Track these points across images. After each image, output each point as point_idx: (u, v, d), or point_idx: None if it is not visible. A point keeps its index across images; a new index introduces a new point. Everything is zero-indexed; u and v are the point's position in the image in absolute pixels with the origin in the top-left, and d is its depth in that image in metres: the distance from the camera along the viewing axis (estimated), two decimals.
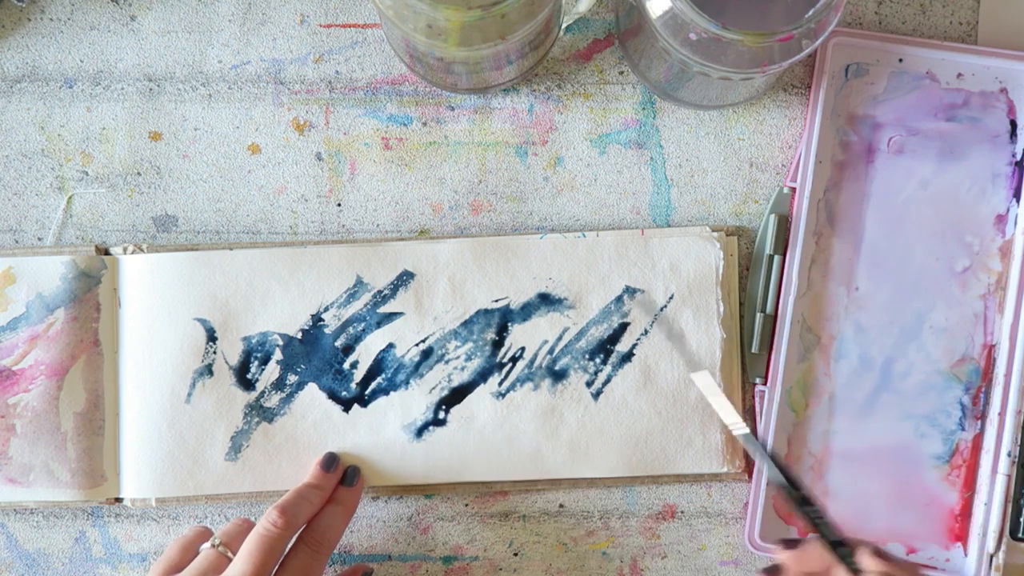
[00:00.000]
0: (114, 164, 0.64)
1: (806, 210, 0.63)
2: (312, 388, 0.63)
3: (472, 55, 0.57)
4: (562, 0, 0.62)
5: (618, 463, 0.63)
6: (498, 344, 0.63)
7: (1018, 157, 0.64)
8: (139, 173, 0.64)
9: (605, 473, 0.63)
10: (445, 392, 0.63)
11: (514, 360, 0.63)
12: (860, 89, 0.64)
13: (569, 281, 0.63)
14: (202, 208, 0.64)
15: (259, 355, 0.62)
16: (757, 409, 0.63)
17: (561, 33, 0.64)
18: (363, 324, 0.63)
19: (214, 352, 0.62)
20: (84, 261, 0.62)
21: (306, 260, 0.63)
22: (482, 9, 0.52)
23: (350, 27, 0.65)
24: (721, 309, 0.63)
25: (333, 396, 0.62)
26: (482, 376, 0.63)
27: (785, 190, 0.64)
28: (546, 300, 0.63)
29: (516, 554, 0.64)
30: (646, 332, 0.63)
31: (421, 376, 0.63)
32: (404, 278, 0.63)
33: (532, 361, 0.63)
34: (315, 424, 0.62)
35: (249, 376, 0.62)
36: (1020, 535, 0.62)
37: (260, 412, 0.62)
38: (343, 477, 0.61)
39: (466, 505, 0.64)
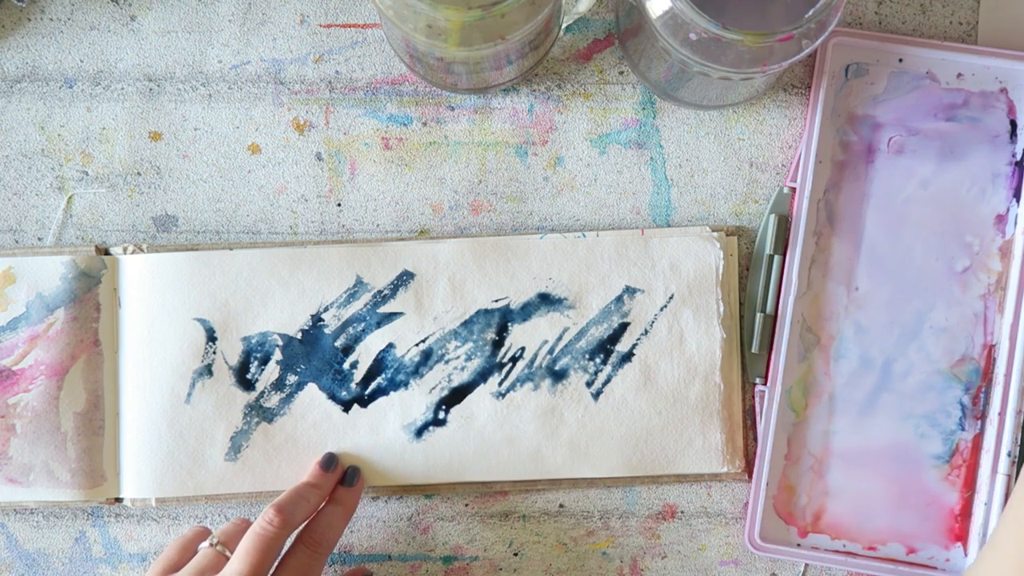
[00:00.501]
0: (114, 164, 0.64)
1: (806, 210, 0.63)
2: (312, 388, 0.63)
3: (472, 55, 0.57)
4: (562, 0, 0.62)
5: (618, 463, 0.63)
6: (498, 344, 0.63)
7: (1018, 157, 0.64)
8: (139, 173, 0.64)
9: (605, 473, 0.63)
10: (445, 392, 0.63)
11: (514, 360, 0.63)
12: (860, 89, 0.64)
13: (569, 281, 0.63)
14: (202, 208, 0.64)
15: (259, 355, 0.62)
16: (757, 409, 0.63)
17: (561, 33, 0.64)
18: (363, 324, 0.63)
19: (214, 352, 0.62)
20: (84, 261, 0.62)
21: (306, 260, 0.63)
22: (482, 9, 0.52)
23: (350, 27, 0.65)
24: (721, 309, 0.63)
25: (333, 396, 0.62)
26: (482, 376, 0.63)
27: (785, 190, 0.64)
28: (546, 300, 0.63)
29: (516, 554, 0.64)
30: (646, 332, 0.63)
31: (421, 376, 0.63)
32: (404, 278, 0.63)
33: (532, 361, 0.63)
34: (315, 424, 0.62)
35: (249, 376, 0.62)
36: None
37: (260, 412, 0.62)
38: (343, 477, 0.61)
39: (466, 505, 0.64)
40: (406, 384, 0.63)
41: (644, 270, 0.63)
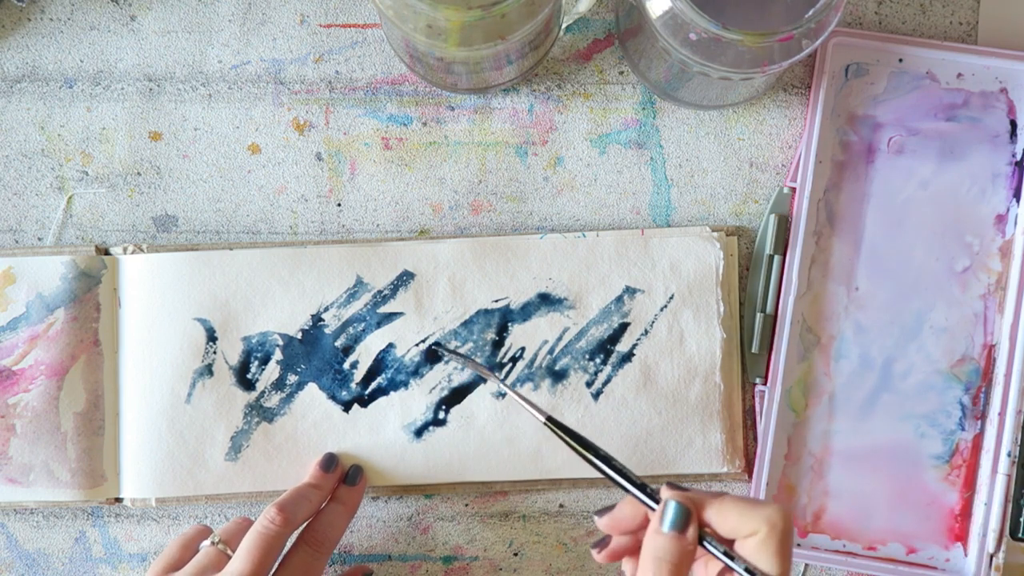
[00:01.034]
0: (114, 164, 0.64)
1: (806, 210, 0.63)
2: (312, 388, 0.63)
3: (472, 55, 0.57)
4: (562, 0, 0.62)
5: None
6: (498, 344, 0.63)
7: (1018, 157, 0.64)
8: (139, 173, 0.64)
9: None
10: (445, 392, 0.63)
11: (514, 360, 0.63)
12: (860, 89, 0.64)
13: (569, 281, 0.63)
14: (202, 208, 0.64)
15: (259, 355, 0.62)
16: (757, 409, 0.63)
17: (561, 33, 0.64)
18: (363, 324, 0.63)
19: (214, 352, 0.62)
20: (84, 261, 0.62)
21: (306, 260, 0.63)
22: (482, 9, 0.52)
23: (350, 27, 0.65)
24: (721, 309, 0.63)
25: (333, 396, 0.63)
26: (482, 376, 0.63)
27: (785, 190, 0.64)
28: (546, 300, 0.63)
29: (516, 554, 0.64)
30: (646, 332, 0.63)
31: (421, 376, 0.63)
32: (404, 278, 0.63)
33: (532, 361, 0.63)
34: (315, 424, 0.62)
35: (249, 376, 0.62)
36: (1020, 535, 0.62)
37: (260, 412, 0.62)
38: (345, 476, 0.61)
39: (466, 505, 0.64)
40: (406, 384, 0.63)
41: (644, 270, 0.63)
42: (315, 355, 0.63)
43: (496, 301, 0.63)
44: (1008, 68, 0.64)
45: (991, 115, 0.64)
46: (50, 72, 0.64)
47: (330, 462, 0.61)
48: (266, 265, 0.63)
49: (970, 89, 0.64)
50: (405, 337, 0.63)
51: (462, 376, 0.63)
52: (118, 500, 0.63)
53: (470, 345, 0.63)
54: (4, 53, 0.64)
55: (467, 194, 0.65)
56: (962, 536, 0.63)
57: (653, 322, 0.63)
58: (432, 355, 0.63)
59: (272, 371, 0.63)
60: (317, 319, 0.63)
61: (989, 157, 0.64)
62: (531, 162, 0.65)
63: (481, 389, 0.63)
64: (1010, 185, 0.64)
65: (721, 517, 0.47)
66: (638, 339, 0.63)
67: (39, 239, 0.64)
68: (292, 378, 0.63)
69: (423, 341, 0.63)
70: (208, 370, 0.62)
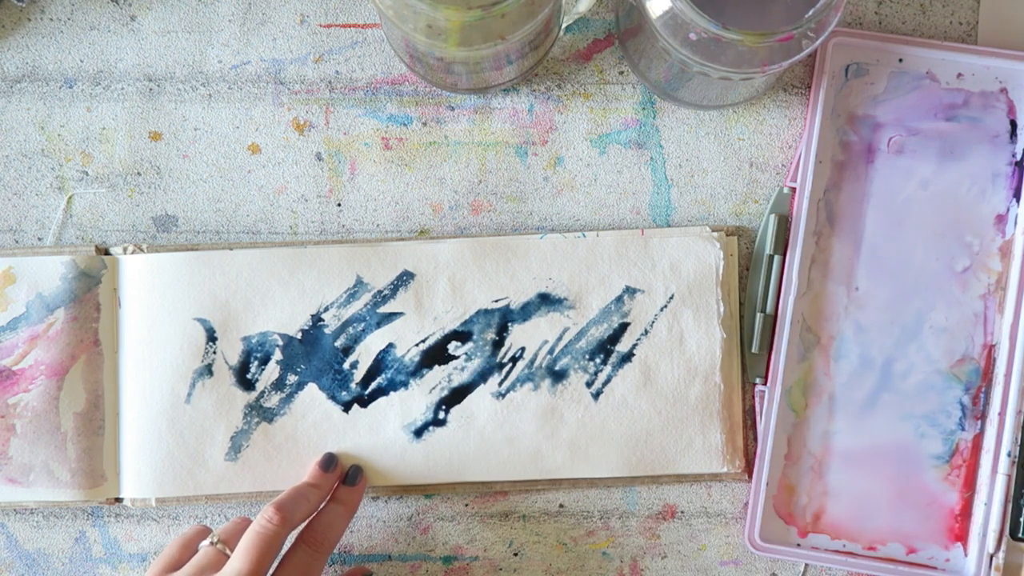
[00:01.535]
0: (114, 164, 0.64)
1: (806, 210, 0.63)
2: (312, 388, 0.63)
3: (472, 55, 0.57)
4: (562, 0, 0.62)
5: (618, 463, 0.63)
6: (498, 344, 0.63)
7: (1018, 157, 0.64)
8: (139, 173, 0.64)
9: (605, 473, 0.63)
10: (445, 392, 0.63)
11: (514, 360, 0.63)
12: (860, 89, 0.64)
13: (569, 281, 0.63)
14: (202, 208, 0.64)
15: (259, 355, 0.62)
16: (757, 409, 0.63)
17: (561, 33, 0.64)
18: (363, 324, 0.63)
19: (214, 352, 0.62)
20: (84, 261, 0.62)
21: (306, 260, 0.63)
22: (482, 9, 0.52)
23: (350, 27, 0.65)
24: (721, 309, 0.63)
25: (333, 396, 0.63)
26: (482, 376, 0.63)
27: (785, 190, 0.64)
28: (546, 300, 0.63)
29: (516, 554, 0.64)
30: (646, 332, 0.63)
31: (421, 376, 0.63)
32: (404, 278, 0.63)
33: (532, 361, 0.63)
34: (315, 424, 0.62)
35: (249, 376, 0.62)
36: (1020, 535, 0.62)
37: (260, 412, 0.62)
38: (345, 476, 0.61)
39: (466, 505, 0.64)
40: (406, 384, 0.63)
41: (644, 270, 0.63)
42: (315, 355, 0.63)
43: (496, 301, 0.63)
44: (1008, 68, 0.64)
45: (991, 115, 0.64)
46: (50, 72, 0.64)
47: (329, 462, 0.61)
48: (266, 265, 0.63)
49: (970, 89, 0.64)
50: (405, 337, 0.63)
51: (462, 376, 0.63)
52: (118, 500, 0.63)
53: (470, 345, 0.63)
54: (4, 53, 0.64)
55: (467, 194, 0.65)
56: (962, 536, 0.63)
57: (653, 322, 0.63)
58: (431, 355, 0.63)
59: (272, 371, 0.63)
60: (317, 319, 0.63)
61: (989, 157, 0.64)
62: (531, 162, 0.65)
63: (481, 389, 0.63)
64: (1010, 185, 0.64)
65: None
66: (638, 339, 0.63)
67: (39, 239, 0.64)
68: (292, 378, 0.63)
69: (423, 341, 0.63)
70: (208, 370, 0.62)
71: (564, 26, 0.64)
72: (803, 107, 0.65)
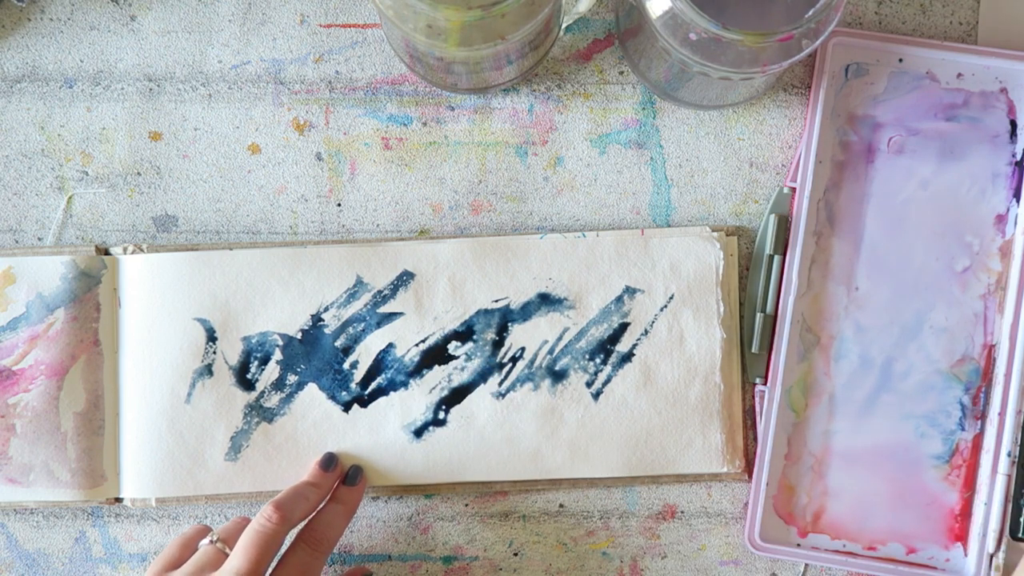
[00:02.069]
0: (114, 164, 0.64)
1: (806, 210, 0.63)
2: (312, 388, 0.63)
3: (472, 55, 0.57)
4: (562, 0, 0.62)
5: (618, 463, 0.63)
6: (498, 344, 0.63)
7: (1018, 157, 0.64)
8: (139, 173, 0.64)
9: (605, 473, 0.63)
10: (445, 392, 0.63)
11: (514, 360, 0.63)
12: (860, 89, 0.64)
13: (569, 281, 0.63)
14: (202, 208, 0.64)
15: (259, 355, 0.62)
16: (757, 409, 0.63)
17: (561, 33, 0.64)
18: (363, 324, 0.63)
19: (214, 352, 0.62)
20: (84, 261, 0.62)
21: (306, 260, 0.63)
22: (482, 9, 0.52)
23: (350, 27, 0.65)
24: (721, 309, 0.63)
25: (333, 396, 0.63)
26: (482, 376, 0.63)
27: (785, 190, 0.64)
28: (546, 300, 0.63)
29: (516, 554, 0.64)
30: (646, 332, 0.63)
31: (421, 376, 0.63)
32: (404, 278, 0.63)
33: (532, 361, 0.63)
34: (315, 424, 0.62)
35: (249, 376, 0.62)
36: (1020, 535, 0.62)
37: (260, 412, 0.62)
38: (345, 476, 0.61)
39: (466, 505, 0.64)
40: (406, 384, 0.63)
41: (644, 270, 0.63)
42: (315, 355, 0.63)
43: (496, 301, 0.63)
44: (1008, 68, 0.64)
45: (991, 115, 0.64)
46: (50, 72, 0.64)
47: (330, 461, 0.61)
48: (266, 265, 0.63)
49: (970, 89, 0.64)
50: (405, 337, 0.63)
51: (462, 376, 0.63)
52: (118, 500, 0.63)
53: (470, 345, 0.63)
54: (4, 53, 0.64)
55: (467, 194, 0.65)
56: (962, 536, 0.63)
57: (653, 322, 0.63)
58: (431, 355, 0.63)
59: (272, 371, 0.63)
60: (317, 319, 0.63)
61: (989, 157, 0.64)
62: (531, 162, 0.65)
63: (481, 389, 0.63)
64: (1010, 185, 0.64)
65: None
66: (638, 339, 0.63)
67: (39, 239, 0.64)
68: (292, 378, 0.63)
69: (423, 341, 0.63)
70: (208, 370, 0.62)
71: (564, 26, 0.64)
72: (803, 107, 0.65)
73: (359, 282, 0.63)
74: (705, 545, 0.64)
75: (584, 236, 0.63)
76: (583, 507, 0.64)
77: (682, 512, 0.64)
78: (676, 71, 0.60)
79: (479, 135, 0.65)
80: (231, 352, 0.62)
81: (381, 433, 0.62)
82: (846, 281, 0.64)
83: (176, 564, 0.57)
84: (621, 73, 0.65)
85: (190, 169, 0.64)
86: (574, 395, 0.63)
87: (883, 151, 0.64)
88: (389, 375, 0.63)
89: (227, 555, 0.56)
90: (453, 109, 0.65)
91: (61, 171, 0.64)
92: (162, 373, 0.62)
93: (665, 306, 0.63)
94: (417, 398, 0.62)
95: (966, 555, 0.63)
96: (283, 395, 0.62)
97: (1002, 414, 0.63)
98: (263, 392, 0.62)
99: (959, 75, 0.64)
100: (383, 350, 0.63)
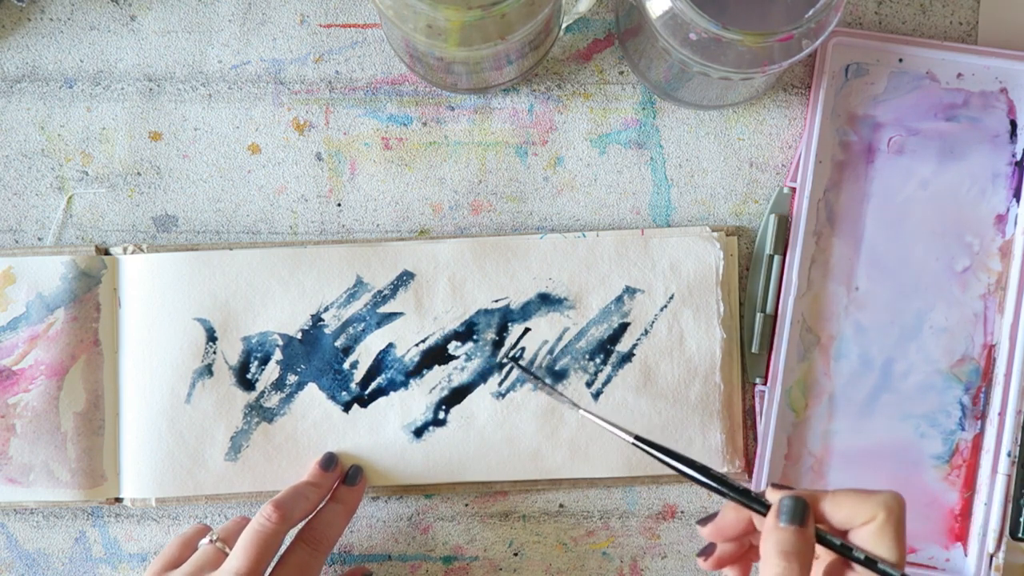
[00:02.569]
0: (114, 164, 0.64)
1: (806, 210, 0.63)
2: (312, 388, 0.63)
3: (472, 55, 0.57)
4: (562, 0, 0.62)
5: (618, 463, 0.63)
6: (498, 344, 0.63)
7: (1018, 157, 0.64)
8: (139, 173, 0.64)
9: (605, 473, 0.63)
10: (445, 392, 0.63)
11: (514, 360, 0.63)
12: (860, 89, 0.64)
13: (569, 281, 0.63)
14: (202, 208, 0.64)
15: (259, 355, 0.62)
16: (757, 409, 0.63)
17: (561, 33, 0.64)
18: (363, 324, 0.63)
19: (214, 352, 0.62)
20: (84, 261, 0.62)
21: (306, 260, 0.63)
22: (482, 9, 0.52)
23: (350, 27, 0.65)
24: (721, 309, 0.63)
25: (333, 396, 0.63)
26: (482, 376, 0.63)
27: (785, 190, 0.64)
28: (546, 300, 0.63)
29: (516, 554, 0.64)
30: (646, 332, 0.63)
31: (421, 376, 0.63)
32: (404, 278, 0.63)
33: (532, 361, 0.63)
34: (315, 424, 0.62)
35: (249, 376, 0.62)
36: (1020, 535, 0.62)
37: (260, 412, 0.62)
38: (345, 476, 0.61)
39: (466, 505, 0.64)
40: (406, 384, 0.63)
41: (644, 270, 0.63)
42: (315, 355, 0.63)
43: (496, 301, 0.63)
44: (1008, 68, 0.64)
45: (991, 115, 0.64)
46: (50, 72, 0.64)
47: (330, 461, 0.61)
48: (266, 265, 0.63)
49: (970, 89, 0.64)
50: (405, 337, 0.63)
51: (462, 376, 0.63)
52: (118, 500, 0.63)
53: (470, 345, 0.63)
54: (4, 53, 0.65)
55: (467, 194, 0.65)
56: (962, 536, 0.63)
57: (653, 322, 0.63)
58: (431, 355, 0.63)
59: (272, 371, 0.63)
60: (317, 319, 0.63)
61: (989, 157, 0.64)
62: (531, 162, 0.65)
63: (481, 389, 0.63)
64: (1010, 185, 0.64)
65: (835, 507, 0.48)
66: (638, 339, 0.63)
67: (39, 239, 0.64)
68: (292, 378, 0.63)
69: (423, 341, 0.63)
70: (208, 370, 0.62)
71: (564, 26, 0.64)
72: (803, 107, 0.65)
73: (359, 282, 0.63)
74: None
75: (584, 236, 0.63)
76: (583, 507, 0.64)
77: (682, 512, 0.64)
78: (676, 71, 0.60)
79: (479, 135, 0.65)
80: (231, 352, 0.62)
81: (381, 433, 0.62)
82: (846, 281, 0.64)
83: (176, 563, 0.57)
84: (621, 73, 0.65)
85: (190, 169, 0.64)
86: (574, 395, 0.62)
87: (883, 151, 0.64)
88: (389, 375, 0.63)
89: (227, 554, 0.56)
90: (453, 109, 0.65)
91: (61, 171, 0.64)
92: (162, 373, 0.62)
93: (665, 306, 0.63)
94: (417, 398, 0.62)
95: (966, 555, 0.63)
96: (283, 395, 0.62)
97: (1002, 414, 0.63)
98: (263, 392, 0.62)
99: (959, 75, 0.64)
100: (383, 350, 0.63)
